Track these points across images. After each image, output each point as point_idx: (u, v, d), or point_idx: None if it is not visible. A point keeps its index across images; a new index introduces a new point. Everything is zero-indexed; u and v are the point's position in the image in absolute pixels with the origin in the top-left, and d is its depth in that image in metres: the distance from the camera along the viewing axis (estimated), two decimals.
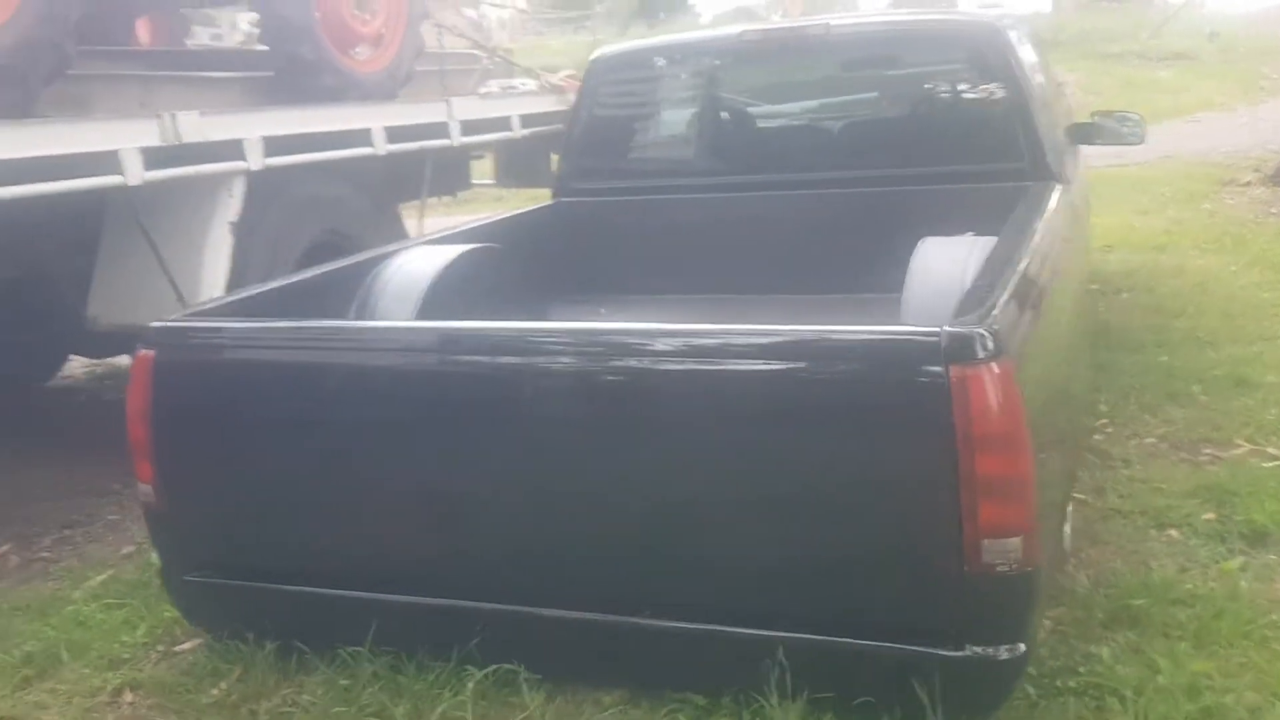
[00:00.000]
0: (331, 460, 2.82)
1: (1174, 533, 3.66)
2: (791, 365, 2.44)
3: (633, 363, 2.56)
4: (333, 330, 2.88)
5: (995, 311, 2.44)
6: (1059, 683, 2.76)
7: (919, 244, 3.38)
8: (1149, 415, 4.76)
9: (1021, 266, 2.77)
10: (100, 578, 3.58)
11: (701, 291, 4.67)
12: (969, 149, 4.42)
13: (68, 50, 4.46)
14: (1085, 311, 3.85)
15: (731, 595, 2.57)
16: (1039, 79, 4.54)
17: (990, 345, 2.31)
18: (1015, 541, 2.34)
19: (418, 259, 3.75)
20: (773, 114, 4.77)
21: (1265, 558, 3.45)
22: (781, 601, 2.53)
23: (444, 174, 6.72)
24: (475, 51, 7.57)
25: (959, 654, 2.42)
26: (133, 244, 4.74)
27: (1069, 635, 2.98)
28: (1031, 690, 2.73)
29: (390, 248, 3.93)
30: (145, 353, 2.89)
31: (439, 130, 6.00)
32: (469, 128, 6.18)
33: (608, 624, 2.64)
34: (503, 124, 6.51)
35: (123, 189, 4.29)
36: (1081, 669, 2.80)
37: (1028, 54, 4.48)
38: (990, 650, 2.42)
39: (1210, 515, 3.75)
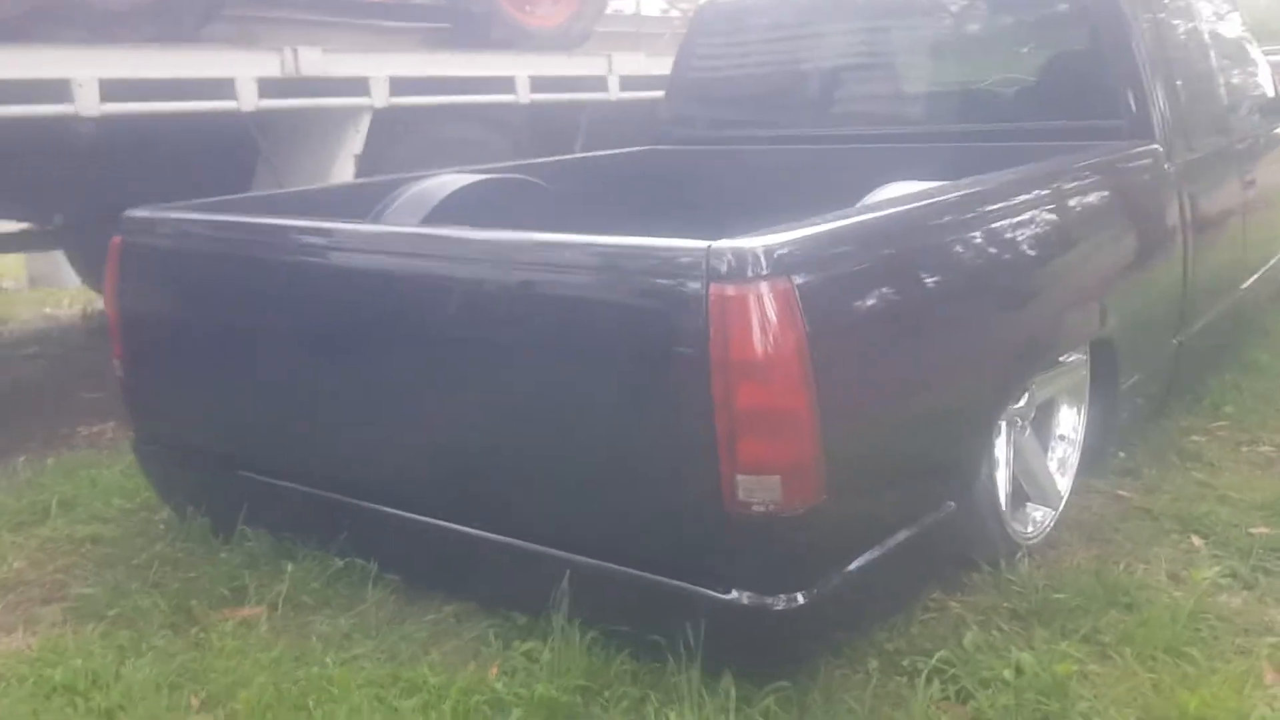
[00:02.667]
0: (244, 350, 3.00)
1: (1197, 540, 3.20)
2: (559, 276, 2.37)
3: (402, 266, 2.60)
4: (252, 226, 3.06)
5: (795, 233, 2.24)
6: (906, 661, 2.50)
7: (880, 187, 3.12)
8: None
9: (894, 202, 2.52)
10: None
11: None
12: (1064, 103, 3.98)
13: None
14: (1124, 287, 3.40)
15: (521, 511, 2.52)
16: (1162, 31, 4.02)
17: (764, 264, 2.13)
18: (774, 480, 2.15)
19: (445, 183, 3.86)
20: (869, 66, 4.49)
21: (1264, 573, 2.95)
22: (567, 522, 2.46)
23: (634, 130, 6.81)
24: (672, 15, 7.62)
25: (725, 597, 2.25)
26: (278, 171, 5.18)
27: (967, 622, 2.68)
28: (874, 663, 2.50)
29: (429, 171, 4.07)
30: (116, 239, 3.20)
31: (596, 84, 6.11)
32: (632, 83, 6.24)
33: (428, 528, 2.66)
34: None
35: (250, 115, 4.72)
36: (942, 652, 2.52)
37: (1143, 7, 3.97)
38: (761, 598, 2.23)
39: (1262, 529, 3.24)
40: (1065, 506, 3.25)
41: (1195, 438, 4.00)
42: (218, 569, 2.95)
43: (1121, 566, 2.96)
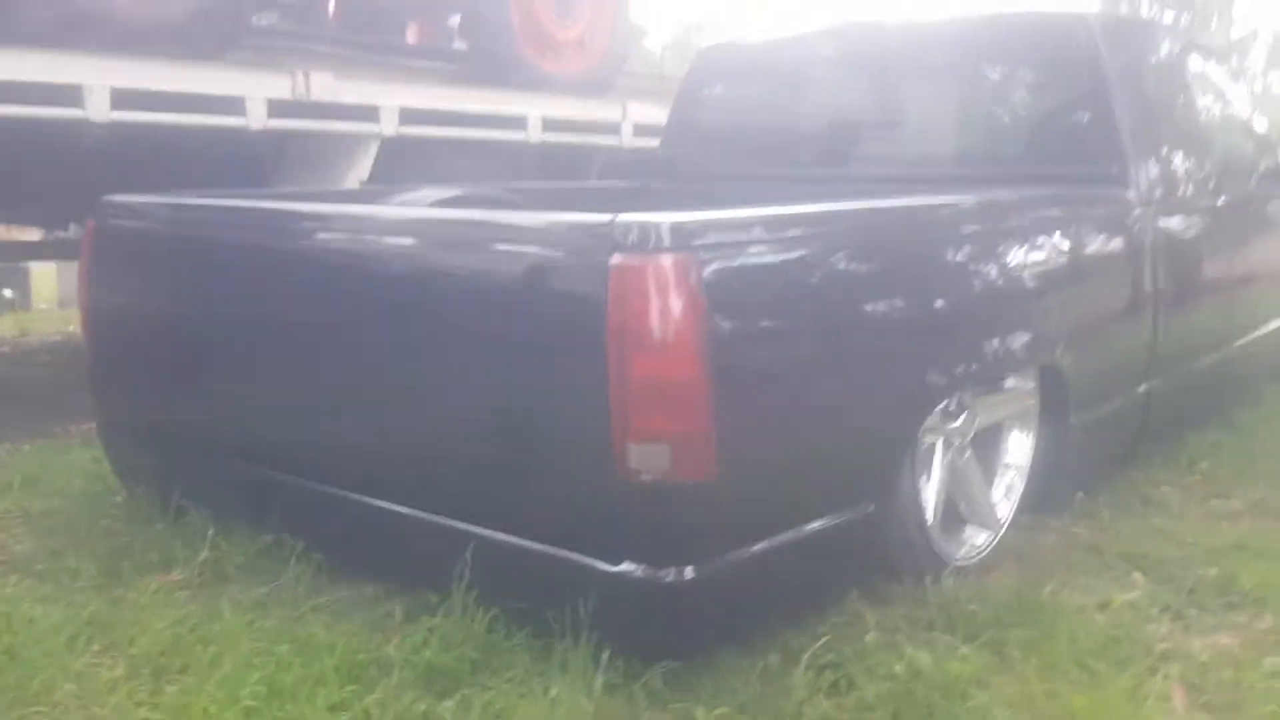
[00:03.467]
0: (188, 331, 3.11)
1: (1139, 576, 3.14)
2: (474, 251, 2.45)
3: (321, 243, 2.70)
4: (198, 206, 3.18)
5: (705, 214, 2.30)
6: (807, 655, 2.47)
7: None
8: (1264, 481, 4.06)
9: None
10: None
11: None
12: (1046, 153, 4.02)
13: (244, 19, 5.15)
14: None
15: (426, 483, 2.57)
16: (1149, 94, 4.05)
17: (667, 239, 2.18)
18: (664, 449, 2.18)
19: (423, 196, 3.96)
20: (856, 113, 4.57)
21: (1199, 608, 2.89)
22: (471, 493, 2.49)
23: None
24: None
25: (615, 569, 2.27)
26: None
27: (877, 626, 2.65)
28: (775, 656, 2.48)
29: (414, 186, 4.18)
30: (90, 221, 3.32)
31: (609, 129, 6.25)
32: (647, 131, 6.37)
33: (347, 502, 2.71)
34: None
35: (258, 134, 4.90)
36: (845, 649, 2.50)
37: (1132, 57, 4.01)
38: (648, 570, 2.25)
39: (1212, 570, 3.17)
40: (1009, 535, 3.22)
41: (1164, 488, 3.94)
42: (153, 539, 3.01)
43: (1048, 590, 2.92)
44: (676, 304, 2.17)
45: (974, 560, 3.07)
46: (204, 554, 2.85)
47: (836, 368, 2.53)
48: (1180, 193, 4.06)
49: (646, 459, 2.19)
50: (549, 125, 5.89)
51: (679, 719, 2.23)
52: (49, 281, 8.22)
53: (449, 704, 2.23)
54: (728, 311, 2.23)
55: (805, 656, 2.45)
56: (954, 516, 3.08)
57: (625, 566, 2.27)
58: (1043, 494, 3.40)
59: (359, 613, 2.67)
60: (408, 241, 2.61)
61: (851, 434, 2.59)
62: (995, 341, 3.06)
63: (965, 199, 3.15)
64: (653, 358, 2.18)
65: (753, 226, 2.40)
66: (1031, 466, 3.31)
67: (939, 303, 2.84)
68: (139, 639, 2.41)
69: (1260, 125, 5.18)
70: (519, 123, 5.79)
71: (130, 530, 3.13)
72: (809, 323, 2.46)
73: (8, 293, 8.07)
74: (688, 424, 2.20)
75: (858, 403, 2.59)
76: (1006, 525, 3.23)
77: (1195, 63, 4.49)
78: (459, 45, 7.61)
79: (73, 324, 7.50)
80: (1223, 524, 3.62)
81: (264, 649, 2.34)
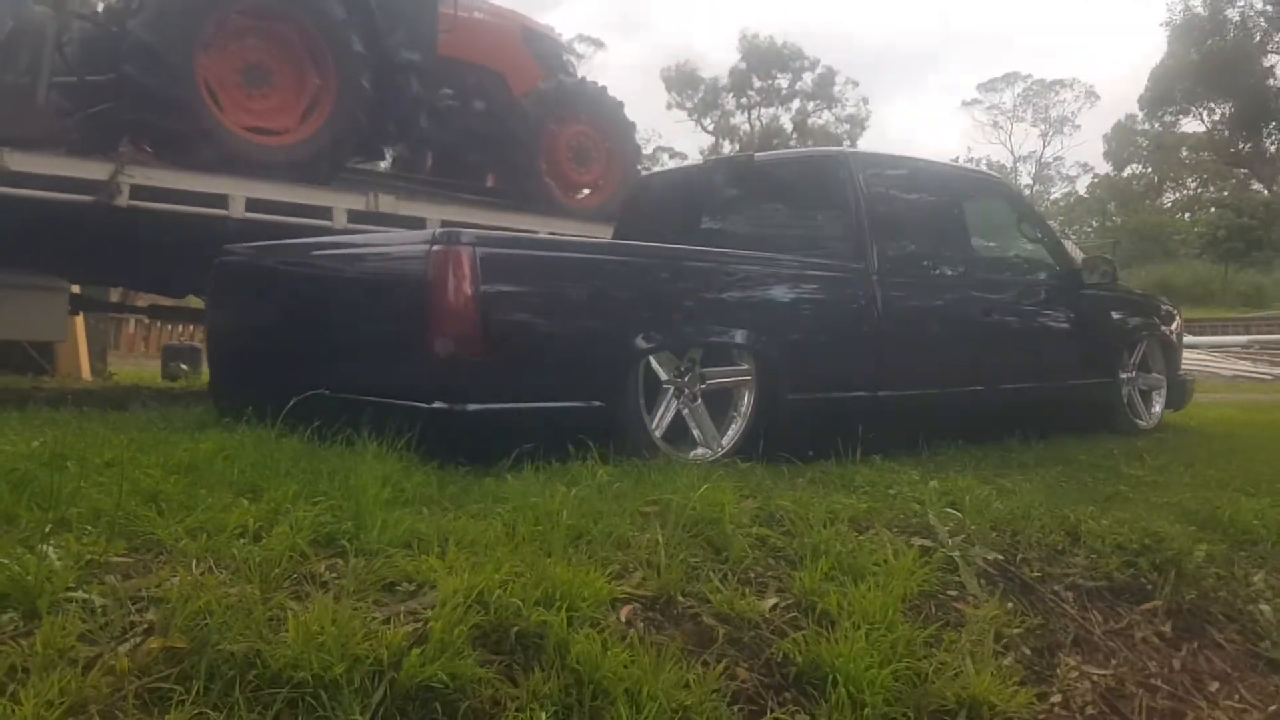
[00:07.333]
0: (255, 318, 5.51)
1: (796, 478, 5.06)
2: (383, 249, 4.75)
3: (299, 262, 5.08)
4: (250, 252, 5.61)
5: (486, 232, 4.54)
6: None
7: None
8: (979, 468, 5.86)
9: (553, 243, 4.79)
10: None
11: None
12: (816, 239, 6.15)
13: (342, 162, 7.76)
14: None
15: (355, 378, 4.81)
16: (883, 197, 6.12)
17: (462, 239, 4.43)
18: (450, 340, 4.37)
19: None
20: (709, 213, 6.84)
21: (800, 479, 4.82)
22: (371, 380, 4.72)
23: None
24: None
25: (430, 406, 4.43)
26: None
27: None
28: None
29: None
30: (217, 260, 5.78)
31: None
32: None
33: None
34: None
35: (339, 231, 7.38)
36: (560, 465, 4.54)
37: (875, 179, 6.10)
38: (445, 405, 4.41)
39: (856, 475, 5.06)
40: (727, 454, 5.16)
41: (891, 461, 5.69)
42: (226, 425, 5.29)
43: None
44: (461, 269, 4.38)
45: (702, 461, 5.03)
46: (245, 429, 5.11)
47: (562, 314, 4.70)
48: (910, 267, 6.06)
49: (445, 346, 4.38)
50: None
51: (445, 470, 4.33)
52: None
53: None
54: (491, 276, 4.43)
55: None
56: (687, 435, 5.09)
57: (437, 404, 4.43)
58: (773, 441, 5.31)
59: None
60: (351, 254, 4.96)
61: (576, 354, 4.71)
62: (716, 330, 5.14)
63: (695, 248, 5.29)
64: (446, 294, 4.40)
65: (517, 240, 4.64)
66: (752, 418, 5.28)
67: (648, 291, 4.98)
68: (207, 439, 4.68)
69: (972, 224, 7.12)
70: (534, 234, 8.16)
71: (217, 422, 5.44)
72: (546, 285, 4.67)
73: (184, 366, 10.85)
74: (464, 327, 4.39)
75: (578, 337, 4.72)
76: (727, 449, 5.19)
77: (925, 180, 6.57)
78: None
79: None
80: (913, 469, 5.42)
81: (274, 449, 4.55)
